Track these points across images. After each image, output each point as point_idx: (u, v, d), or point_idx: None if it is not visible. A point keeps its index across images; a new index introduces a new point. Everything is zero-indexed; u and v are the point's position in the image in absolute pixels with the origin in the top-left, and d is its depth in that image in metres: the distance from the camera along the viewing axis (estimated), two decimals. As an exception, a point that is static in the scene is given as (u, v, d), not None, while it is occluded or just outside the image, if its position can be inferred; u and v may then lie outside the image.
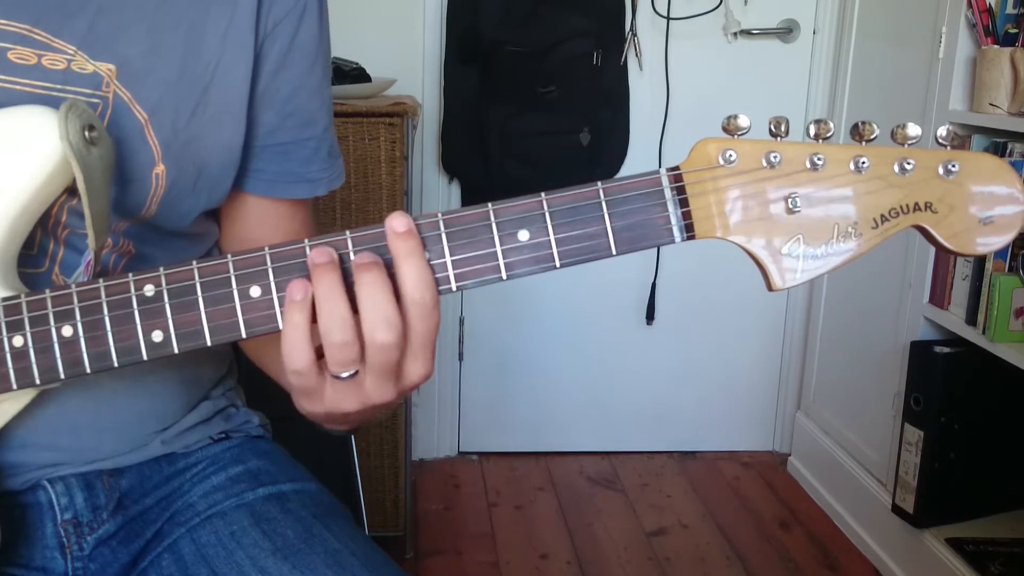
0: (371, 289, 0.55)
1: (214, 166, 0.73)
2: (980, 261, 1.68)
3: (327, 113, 0.80)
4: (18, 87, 0.65)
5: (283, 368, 0.58)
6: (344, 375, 0.57)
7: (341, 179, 0.84)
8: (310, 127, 0.79)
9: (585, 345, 2.53)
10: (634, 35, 2.30)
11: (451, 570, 2.04)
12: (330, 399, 0.58)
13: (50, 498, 0.74)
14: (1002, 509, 1.89)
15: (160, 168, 0.69)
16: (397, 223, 0.55)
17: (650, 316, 2.49)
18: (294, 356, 0.56)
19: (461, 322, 2.49)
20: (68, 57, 0.66)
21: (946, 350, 1.80)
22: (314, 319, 0.56)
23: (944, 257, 1.83)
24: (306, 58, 0.76)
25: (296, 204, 0.81)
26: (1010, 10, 1.71)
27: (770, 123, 0.55)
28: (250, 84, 0.73)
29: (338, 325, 0.55)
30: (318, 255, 0.56)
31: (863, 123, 0.54)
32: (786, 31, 2.37)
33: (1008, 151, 1.64)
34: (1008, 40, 1.70)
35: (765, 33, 2.36)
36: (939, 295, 1.84)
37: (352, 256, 0.57)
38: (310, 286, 0.56)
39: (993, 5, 1.71)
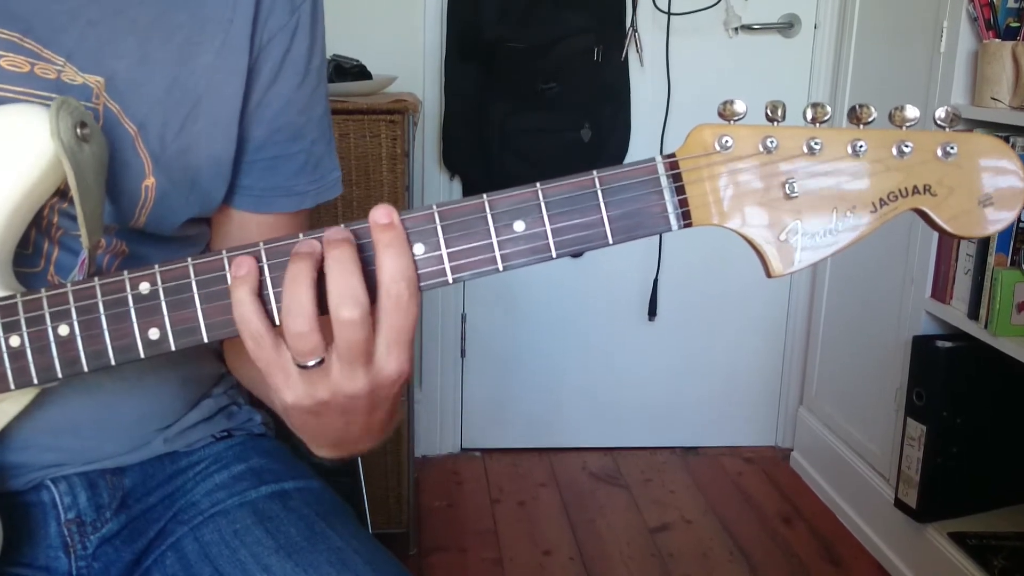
0: (337, 265, 0.54)
1: (205, 179, 0.73)
2: (982, 255, 1.68)
3: (317, 126, 0.79)
4: (11, 94, 0.65)
5: (261, 378, 0.57)
6: (310, 363, 0.55)
7: (335, 191, 0.83)
8: (298, 141, 0.78)
9: (587, 341, 2.53)
10: (635, 31, 2.29)
11: (454, 567, 2.04)
12: (297, 384, 0.57)
13: (53, 498, 0.75)
14: (1005, 503, 1.88)
15: (150, 180, 0.70)
16: (379, 214, 0.54)
17: (652, 312, 2.49)
18: (246, 325, 0.55)
19: (463, 319, 2.49)
20: (58, 68, 0.66)
21: (948, 345, 1.79)
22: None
23: (946, 251, 1.82)
24: (297, 74, 0.76)
25: (285, 215, 0.80)
26: (1011, 4, 1.70)
27: (766, 107, 0.54)
28: (242, 99, 0.73)
29: (295, 312, 0.54)
30: (301, 246, 0.55)
31: (860, 106, 0.54)
32: (787, 26, 2.36)
33: (1011, 145, 1.63)
34: (1009, 34, 1.69)
35: (766, 28, 2.36)
36: (941, 289, 1.84)
37: None
38: (255, 262, 0.55)
39: (994, -1, 1.71)
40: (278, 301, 0.57)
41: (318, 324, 0.54)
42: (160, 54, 0.69)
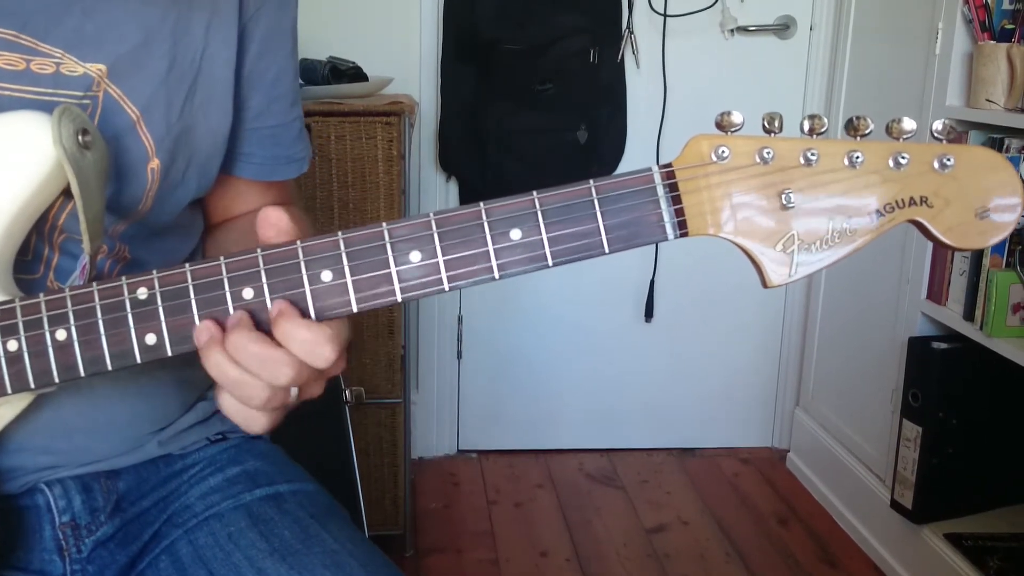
0: (240, 352, 0.57)
1: (202, 154, 0.74)
2: (977, 257, 1.68)
3: (298, 91, 0.83)
4: (7, 93, 0.65)
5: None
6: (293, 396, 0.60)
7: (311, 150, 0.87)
8: (294, 108, 0.81)
9: (584, 343, 2.53)
10: (631, 32, 2.29)
11: (451, 568, 2.04)
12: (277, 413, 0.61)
13: (48, 501, 0.74)
14: (1000, 504, 1.89)
15: (155, 162, 0.70)
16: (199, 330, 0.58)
17: (649, 313, 2.49)
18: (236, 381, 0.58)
19: (460, 320, 2.49)
20: (56, 60, 0.66)
21: (944, 346, 1.80)
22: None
23: (942, 253, 1.83)
24: (288, 41, 0.78)
25: (284, 183, 0.84)
26: (1006, 6, 1.71)
27: (763, 119, 0.54)
28: (235, 69, 0.74)
29: (257, 392, 0.57)
30: (200, 334, 0.58)
31: (858, 118, 0.54)
32: (783, 28, 2.37)
33: (1005, 147, 1.64)
34: (1004, 36, 1.70)
35: (762, 30, 2.36)
36: (937, 291, 1.84)
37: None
38: (213, 326, 0.58)
39: (989, 1, 1.71)
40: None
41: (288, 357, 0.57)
42: (158, 36, 0.70)
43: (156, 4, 0.70)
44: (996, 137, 1.67)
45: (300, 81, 0.88)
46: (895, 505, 1.90)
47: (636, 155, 2.35)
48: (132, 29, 0.69)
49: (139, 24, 0.69)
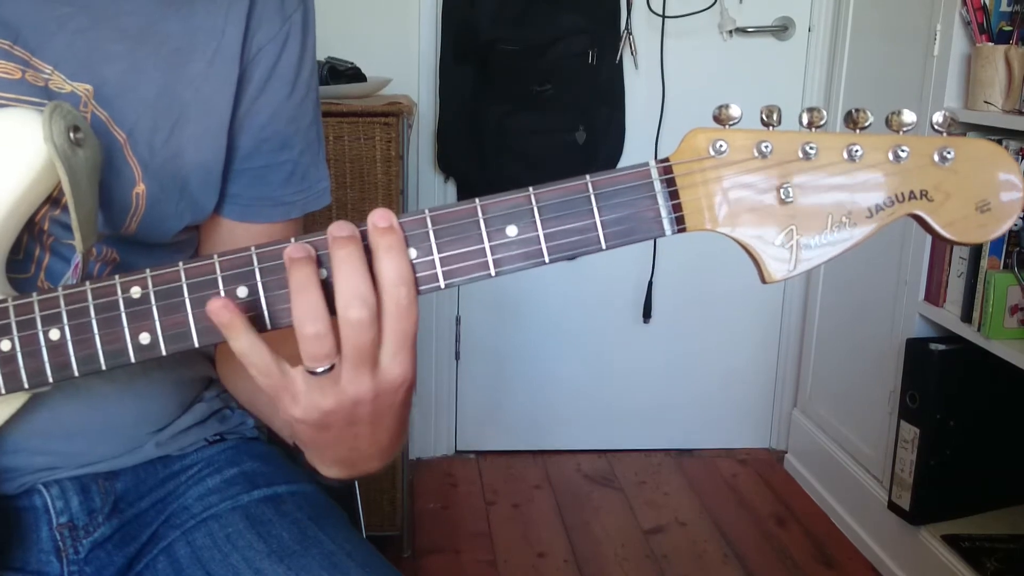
0: (345, 264, 0.53)
1: (194, 186, 0.73)
2: (975, 258, 1.69)
3: (304, 136, 0.79)
4: (3, 100, 0.65)
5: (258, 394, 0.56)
6: (319, 370, 0.55)
7: (323, 201, 0.83)
8: (286, 151, 0.78)
9: (582, 343, 2.53)
10: (629, 33, 2.29)
11: (449, 569, 2.04)
12: (305, 398, 0.56)
13: (45, 502, 0.74)
14: (998, 505, 1.89)
15: (140, 188, 0.69)
16: (378, 218, 0.54)
17: (647, 314, 2.49)
18: (252, 362, 0.55)
19: (458, 321, 2.49)
20: (46, 76, 0.66)
21: (942, 347, 1.80)
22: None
23: (940, 254, 1.83)
24: (286, 84, 0.76)
25: (273, 225, 0.80)
26: (1004, 8, 1.71)
27: (761, 112, 0.54)
28: (232, 108, 0.73)
29: (311, 317, 0.53)
30: (293, 250, 0.54)
31: (857, 110, 0.53)
32: (781, 29, 2.37)
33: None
34: (1002, 38, 1.70)
35: (760, 31, 2.36)
36: (935, 292, 1.84)
37: None
38: (238, 314, 0.54)
39: (987, 3, 1.71)
40: (271, 306, 0.56)
41: (332, 325, 0.54)
42: (149, 62, 0.69)
43: (152, 33, 0.69)
44: (994, 139, 1.66)
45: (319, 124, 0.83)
46: (893, 506, 1.90)
47: (635, 156, 2.34)
48: (122, 52, 0.68)
49: (130, 48, 0.69)
